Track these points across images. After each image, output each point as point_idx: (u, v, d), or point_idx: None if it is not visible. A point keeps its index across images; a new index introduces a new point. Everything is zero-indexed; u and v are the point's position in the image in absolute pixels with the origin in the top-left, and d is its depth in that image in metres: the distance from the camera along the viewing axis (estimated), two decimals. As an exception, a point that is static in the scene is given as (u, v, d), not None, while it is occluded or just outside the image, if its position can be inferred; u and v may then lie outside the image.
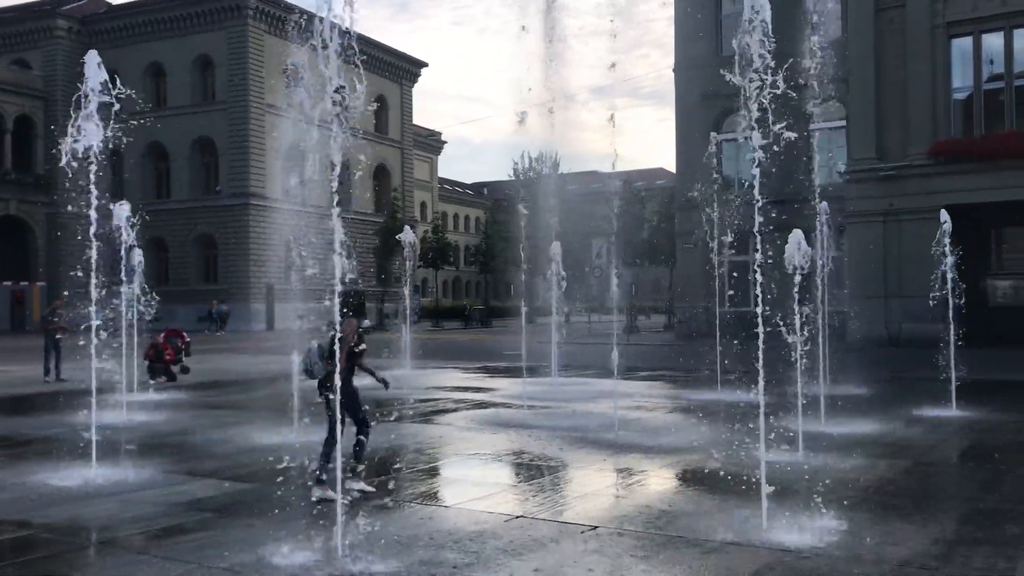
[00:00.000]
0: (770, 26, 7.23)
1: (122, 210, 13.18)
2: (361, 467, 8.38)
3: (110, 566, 6.17)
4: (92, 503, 8.00)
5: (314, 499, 7.84)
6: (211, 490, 8.57)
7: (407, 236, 23.10)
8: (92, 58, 9.51)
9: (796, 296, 8.78)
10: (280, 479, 8.59)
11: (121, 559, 6.33)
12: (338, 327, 6.99)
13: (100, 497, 8.21)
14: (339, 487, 6.53)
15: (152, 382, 19.01)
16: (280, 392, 15.64)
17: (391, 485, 8.98)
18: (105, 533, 7.10)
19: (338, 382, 7.12)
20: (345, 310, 7.28)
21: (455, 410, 14.96)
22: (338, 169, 6.40)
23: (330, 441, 7.88)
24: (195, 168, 57.44)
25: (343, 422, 7.73)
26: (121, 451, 10.43)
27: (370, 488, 8.30)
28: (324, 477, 8.01)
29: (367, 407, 8.62)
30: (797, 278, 8.68)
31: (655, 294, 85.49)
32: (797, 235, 9.88)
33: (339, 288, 6.85)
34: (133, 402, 14.54)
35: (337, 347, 7.15)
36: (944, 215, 14.47)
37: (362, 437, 8.32)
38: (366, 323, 8.73)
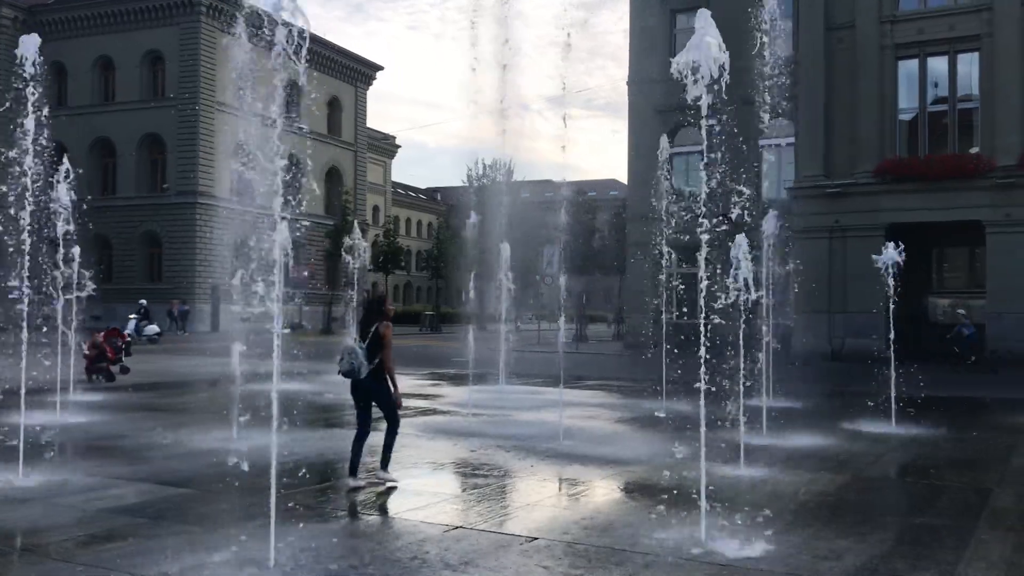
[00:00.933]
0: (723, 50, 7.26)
1: (60, 195, 12.66)
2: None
3: (33, 574, 5.95)
4: (17, 508, 7.73)
5: (389, 485, 8.90)
6: (144, 495, 8.34)
7: (356, 239, 22.83)
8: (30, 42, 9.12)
9: (740, 304, 8.83)
10: (216, 484, 8.41)
11: (45, 567, 6.11)
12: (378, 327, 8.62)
13: (27, 502, 7.94)
14: (273, 492, 6.37)
15: (90, 382, 18.58)
16: (221, 395, 15.35)
17: (330, 493, 8.83)
18: (30, 539, 6.85)
19: (392, 372, 8.79)
20: (374, 311, 8.96)
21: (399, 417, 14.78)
22: (280, 166, 6.26)
23: (393, 431, 9.10)
24: (142, 165, 56.39)
25: (370, 416, 9.02)
26: (52, 453, 10.12)
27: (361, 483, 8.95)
28: (387, 465, 9.09)
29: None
30: (741, 280, 8.73)
31: (605, 303, 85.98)
32: (741, 240, 9.95)
33: (362, 296, 7.69)
34: (68, 402, 14.15)
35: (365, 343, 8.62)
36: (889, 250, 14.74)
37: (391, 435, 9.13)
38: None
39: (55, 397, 13.55)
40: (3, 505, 7.81)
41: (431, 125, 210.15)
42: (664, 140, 19.34)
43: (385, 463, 9.08)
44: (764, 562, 6.35)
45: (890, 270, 14.50)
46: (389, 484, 8.94)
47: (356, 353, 8.62)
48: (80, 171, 12.47)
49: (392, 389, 8.99)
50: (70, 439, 11.49)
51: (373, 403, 9.05)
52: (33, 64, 9.09)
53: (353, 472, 8.91)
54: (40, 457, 9.41)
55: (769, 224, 16.33)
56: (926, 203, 28.78)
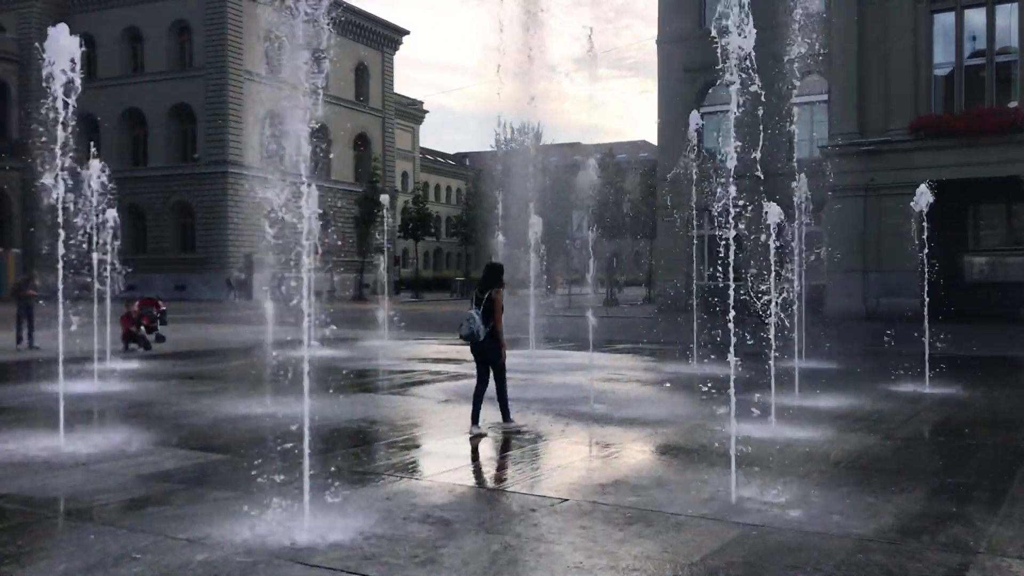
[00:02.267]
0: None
1: (93, 170, 12.73)
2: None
3: (76, 537, 6.10)
4: (60, 474, 7.92)
5: (514, 430, 9.90)
6: (181, 461, 8.50)
7: (384, 202, 22.90)
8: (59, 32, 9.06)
9: (773, 270, 8.78)
10: (251, 449, 8.55)
11: (87, 530, 6.26)
12: (490, 294, 9.62)
13: (68, 468, 8.12)
14: (306, 458, 6.45)
15: (127, 350, 18.90)
16: (255, 362, 15.55)
17: (363, 457, 8.95)
18: (72, 504, 7.02)
19: (500, 330, 9.73)
20: (492, 278, 9.83)
21: (431, 382, 14.94)
22: (305, 136, 6.28)
23: (503, 388, 10.04)
24: (172, 135, 56.79)
25: (488, 371, 9.92)
26: (91, 421, 10.34)
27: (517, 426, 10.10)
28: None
29: None
30: (773, 251, 8.68)
31: (636, 267, 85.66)
32: (774, 209, 9.87)
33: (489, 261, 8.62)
34: (106, 371, 14.41)
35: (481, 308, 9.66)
36: (922, 189, 14.47)
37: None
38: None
39: (93, 366, 13.81)
40: (47, 471, 8.00)
41: (457, 90, 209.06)
42: (694, 115, 19.06)
43: (505, 415, 10.09)
44: (795, 521, 6.36)
45: (924, 222, 14.22)
46: (514, 429, 9.95)
47: (474, 319, 9.63)
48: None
49: (499, 344, 9.88)
50: (109, 407, 11.72)
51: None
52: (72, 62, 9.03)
53: (475, 421, 9.91)
54: (80, 424, 9.63)
55: (801, 186, 16.15)
56: (963, 159, 28.22)
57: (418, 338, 23.92)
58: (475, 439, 9.67)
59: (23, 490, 7.32)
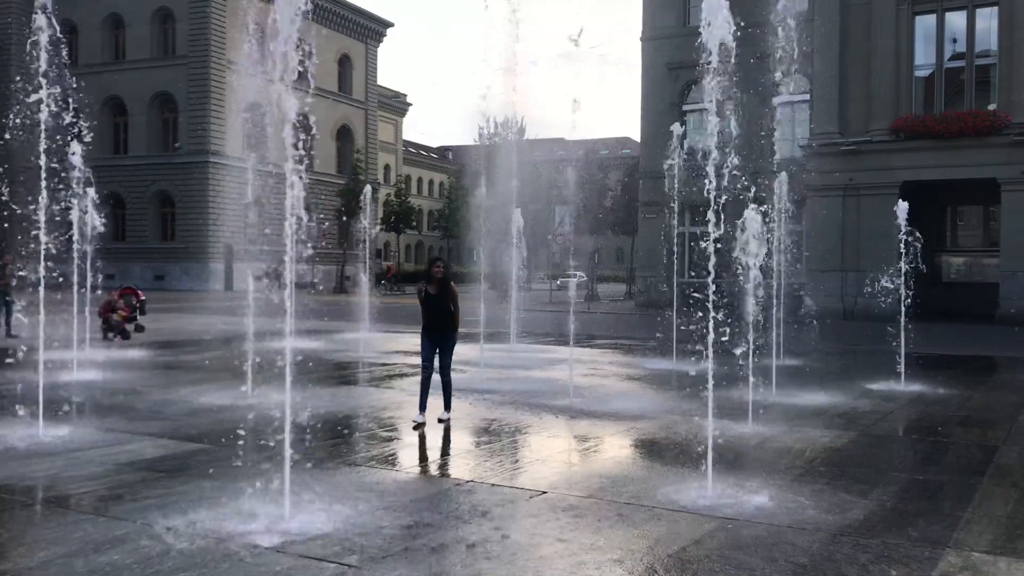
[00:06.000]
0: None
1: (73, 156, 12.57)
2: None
3: (53, 525, 6.10)
4: (37, 461, 7.90)
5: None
6: (160, 450, 8.50)
7: (368, 195, 22.92)
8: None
9: (753, 272, 8.87)
10: (230, 440, 8.56)
11: (65, 518, 6.26)
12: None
13: (46, 456, 8.11)
14: (286, 447, 6.48)
15: (105, 340, 18.80)
16: (234, 352, 15.51)
17: (343, 448, 8.98)
18: (49, 492, 7.02)
19: None
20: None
21: (411, 375, 14.94)
22: (289, 127, 6.29)
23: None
24: (154, 124, 56.38)
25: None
26: (70, 409, 10.30)
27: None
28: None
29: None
30: (753, 259, 8.75)
31: (617, 263, 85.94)
32: (751, 216, 9.90)
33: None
34: (84, 360, 14.34)
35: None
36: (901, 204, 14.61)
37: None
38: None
39: (72, 355, 13.74)
40: (26, 459, 7.98)
41: (442, 83, 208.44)
42: (675, 126, 19.10)
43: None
44: (770, 515, 6.45)
45: (903, 228, 14.39)
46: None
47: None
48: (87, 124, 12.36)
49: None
50: (88, 396, 11.67)
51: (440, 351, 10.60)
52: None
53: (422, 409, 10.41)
54: (60, 413, 9.59)
55: (781, 185, 16.28)
56: (941, 161, 28.53)
57: (397, 331, 23.92)
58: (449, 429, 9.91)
59: (1, 478, 7.30)
